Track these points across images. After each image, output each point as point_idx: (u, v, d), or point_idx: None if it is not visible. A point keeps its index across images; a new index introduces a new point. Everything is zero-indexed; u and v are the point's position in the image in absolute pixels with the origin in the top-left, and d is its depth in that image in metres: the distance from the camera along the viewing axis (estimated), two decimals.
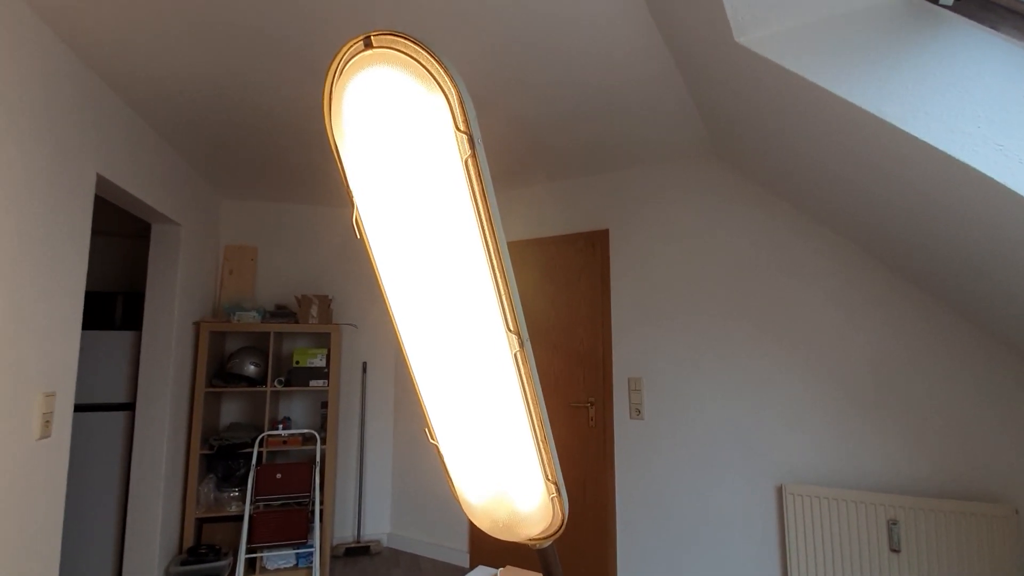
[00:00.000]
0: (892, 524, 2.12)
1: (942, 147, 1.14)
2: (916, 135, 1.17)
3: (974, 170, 1.12)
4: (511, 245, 3.37)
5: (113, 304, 3.11)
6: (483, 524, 0.66)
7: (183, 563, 2.77)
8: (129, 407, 2.82)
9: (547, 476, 0.60)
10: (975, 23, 1.12)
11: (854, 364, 2.34)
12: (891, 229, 1.90)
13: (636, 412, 2.82)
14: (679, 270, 2.79)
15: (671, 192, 2.86)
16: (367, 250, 0.57)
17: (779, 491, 2.43)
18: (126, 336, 2.86)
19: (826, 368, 2.39)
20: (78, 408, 2.74)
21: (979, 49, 1.12)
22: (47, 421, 1.75)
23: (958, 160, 1.13)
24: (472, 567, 3.24)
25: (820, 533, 2.26)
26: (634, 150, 2.73)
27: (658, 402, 2.78)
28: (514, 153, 2.80)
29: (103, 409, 2.79)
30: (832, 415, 2.36)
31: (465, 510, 0.66)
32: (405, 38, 0.45)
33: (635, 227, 2.95)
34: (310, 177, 3.21)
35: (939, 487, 2.14)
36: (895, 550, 2.11)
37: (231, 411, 3.56)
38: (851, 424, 2.32)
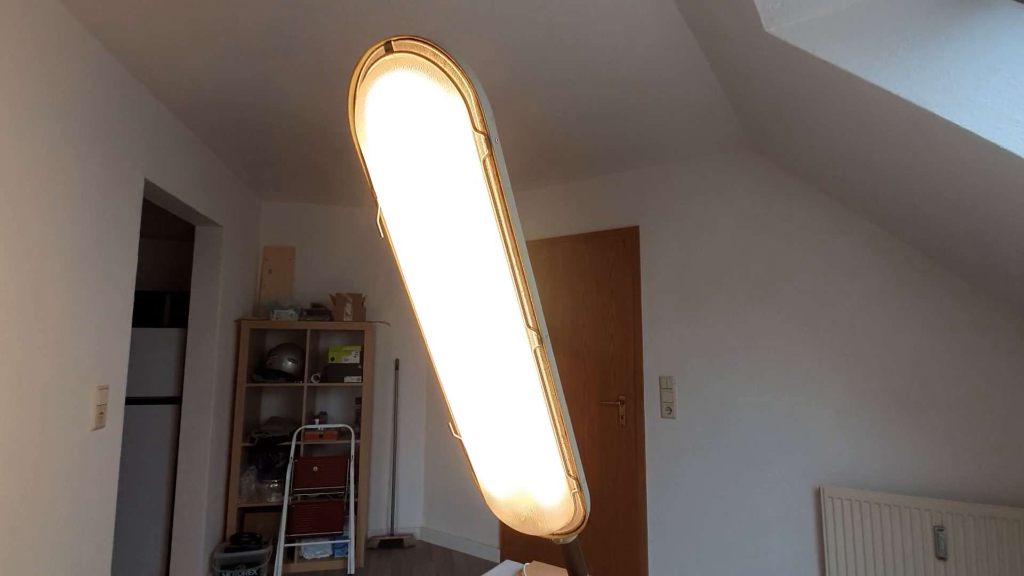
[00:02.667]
0: (938, 530, 2.03)
1: (987, 136, 1.08)
2: (959, 124, 1.12)
3: (1022, 160, 1.07)
4: (539, 243, 3.37)
5: (161, 303, 3.27)
6: (506, 518, 0.67)
7: (227, 550, 2.89)
8: (176, 400, 2.96)
9: (568, 471, 0.60)
10: (1022, 4, 1.06)
11: (896, 361, 2.24)
12: (934, 220, 1.82)
13: (668, 411, 2.78)
14: (712, 266, 2.73)
15: (702, 187, 2.81)
16: (391, 249, 0.59)
17: (817, 494, 2.36)
18: (173, 333, 3.00)
19: (867, 366, 2.30)
20: (130, 401, 2.90)
21: None
22: (101, 412, 1.86)
23: (1005, 149, 1.07)
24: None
25: (861, 538, 2.18)
26: (664, 145, 2.69)
27: (690, 401, 2.73)
28: (542, 150, 2.80)
29: (152, 402, 2.94)
30: (873, 415, 2.27)
31: (488, 504, 0.68)
32: (424, 42, 0.46)
33: (666, 223, 2.90)
34: (344, 179, 3.29)
35: (987, 492, 2.03)
36: (942, 558, 2.02)
37: (271, 405, 3.69)
38: (893, 424, 2.23)
